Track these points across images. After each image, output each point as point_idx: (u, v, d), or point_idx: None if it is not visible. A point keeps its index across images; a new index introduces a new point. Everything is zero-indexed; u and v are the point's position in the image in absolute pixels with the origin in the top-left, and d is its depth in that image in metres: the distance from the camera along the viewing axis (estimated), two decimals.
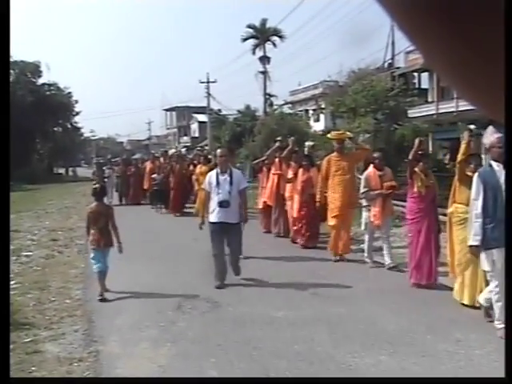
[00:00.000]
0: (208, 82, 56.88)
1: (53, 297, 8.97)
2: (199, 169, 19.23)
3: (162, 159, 25.43)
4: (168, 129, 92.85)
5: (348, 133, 13.10)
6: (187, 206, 21.97)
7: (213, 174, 9.82)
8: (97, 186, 9.89)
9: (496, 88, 0.49)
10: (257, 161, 18.18)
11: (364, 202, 11.55)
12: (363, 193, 11.18)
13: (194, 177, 20.40)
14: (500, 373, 5.66)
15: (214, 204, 9.58)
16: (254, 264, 10.99)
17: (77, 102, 63.73)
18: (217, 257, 9.65)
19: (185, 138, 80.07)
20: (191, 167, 22.63)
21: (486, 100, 0.53)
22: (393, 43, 38.73)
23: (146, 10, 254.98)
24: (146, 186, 25.28)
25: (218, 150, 10.51)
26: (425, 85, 39.12)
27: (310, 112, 49.45)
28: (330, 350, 6.38)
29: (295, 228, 13.59)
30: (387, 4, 0.50)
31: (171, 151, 30.06)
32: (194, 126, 79.47)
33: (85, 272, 10.81)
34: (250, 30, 56.79)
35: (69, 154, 67.51)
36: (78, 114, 65.00)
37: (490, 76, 0.49)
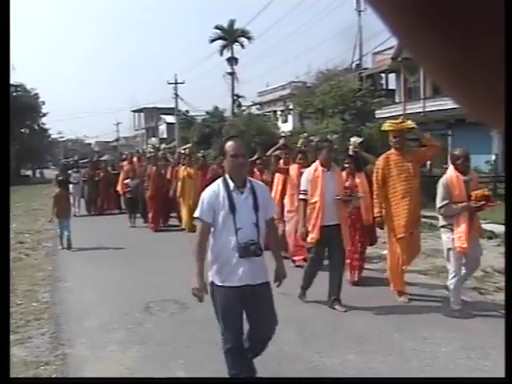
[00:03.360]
0: (176, 83, 56.92)
1: (19, 300, 8.88)
2: (183, 171, 16.82)
3: (135, 160, 21.77)
4: (136, 130, 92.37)
5: (410, 122, 9.01)
6: (172, 215, 18.74)
7: (218, 189, 5.14)
8: (60, 178, 15.66)
9: (487, 92, 0.50)
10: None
11: (442, 220, 8.00)
12: (442, 206, 7.81)
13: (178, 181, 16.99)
14: (464, 369, 5.76)
15: (226, 251, 5.04)
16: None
17: (44, 103, 63.48)
18: (235, 353, 5.18)
19: (153, 139, 79.43)
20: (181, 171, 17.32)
21: (475, 103, 0.53)
22: (360, 44, 39.11)
23: (115, 10, 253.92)
24: (121, 191, 20.81)
25: (231, 144, 5.20)
26: (392, 85, 39.36)
27: (278, 113, 49.62)
28: (298, 350, 6.41)
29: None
30: (377, 5, 0.49)
31: (148, 150, 25.55)
32: (162, 127, 79.14)
33: (52, 275, 10.75)
34: (218, 31, 56.81)
35: (36, 155, 66.91)
36: (45, 115, 64.76)
37: (481, 79, 0.49)
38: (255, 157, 13.98)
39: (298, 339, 6.81)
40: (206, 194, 5.16)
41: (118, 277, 10.41)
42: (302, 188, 8.50)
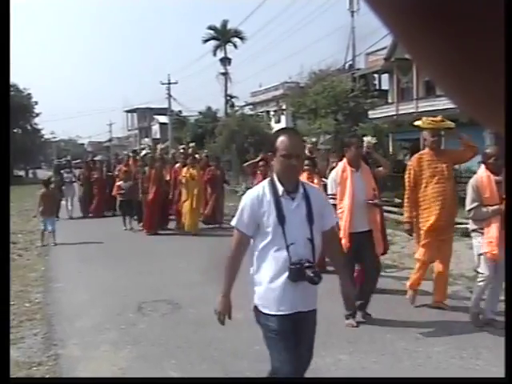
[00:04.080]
0: (169, 84, 56.91)
1: (12, 300, 8.82)
2: (186, 172, 15.94)
3: (131, 161, 20.59)
4: (129, 130, 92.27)
5: (448, 121, 8.15)
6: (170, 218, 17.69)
7: (263, 193, 4.17)
8: (45, 179, 16.78)
9: (484, 93, 0.50)
10: (249, 162, 14.68)
11: (472, 224, 7.40)
12: (471, 209, 7.17)
13: (182, 180, 16.09)
14: (457, 369, 5.77)
15: (272, 271, 4.15)
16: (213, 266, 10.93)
17: (36, 103, 63.12)
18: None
19: (146, 140, 79.54)
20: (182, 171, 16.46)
21: (472, 103, 0.53)
22: (353, 45, 39.11)
23: (108, 10, 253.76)
24: (115, 193, 19.27)
25: (284, 139, 4.14)
26: (385, 86, 39.35)
27: (271, 113, 49.61)
28: None
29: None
30: (375, 5, 0.49)
31: (143, 152, 22.94)
32: (155, 128, 79.09)
33: (45, 275, 10.72)
34: (211, 32, 56.75)
35: (29, 155, 66.54)
36: (37, 115, 64.43)
37: (479, 80, 0.49)
38: (258, 158, 13.44)
39: None
40: (248, 200, 4.20)
41: (110, 277, 10.38)
42: (329, 192, 7.60)
